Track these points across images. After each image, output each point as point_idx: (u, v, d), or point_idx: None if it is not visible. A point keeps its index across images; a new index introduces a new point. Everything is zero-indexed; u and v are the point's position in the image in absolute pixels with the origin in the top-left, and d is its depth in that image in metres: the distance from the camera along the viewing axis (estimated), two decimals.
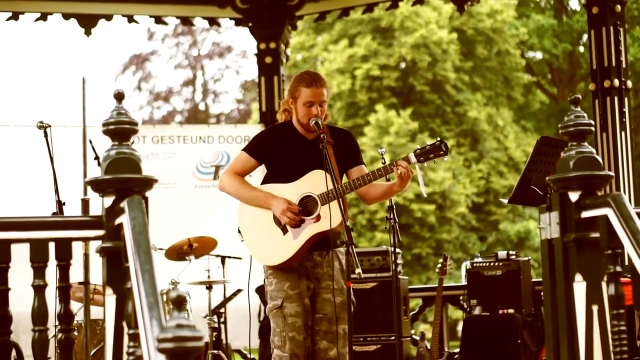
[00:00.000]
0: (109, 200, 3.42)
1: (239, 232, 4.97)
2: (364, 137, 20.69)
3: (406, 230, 20.60)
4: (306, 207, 4.83)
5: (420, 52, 21.72)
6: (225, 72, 28.73)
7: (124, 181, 3.38)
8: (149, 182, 3.43)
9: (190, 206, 9.10)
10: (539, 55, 23.93)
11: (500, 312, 7.16)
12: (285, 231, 4.85)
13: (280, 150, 4.95)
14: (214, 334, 7.24)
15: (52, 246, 3.51)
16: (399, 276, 6.93)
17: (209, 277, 7.33)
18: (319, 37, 23.56)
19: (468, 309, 7.52)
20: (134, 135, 3.51)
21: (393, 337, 7.19)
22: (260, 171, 5.24)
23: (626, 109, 7.71)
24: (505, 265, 7.30)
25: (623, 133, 7.68)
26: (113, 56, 43.64)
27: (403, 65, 22.62)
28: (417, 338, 7.85)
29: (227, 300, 7.36)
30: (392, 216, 5.87)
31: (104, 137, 3.49)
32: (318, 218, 4.79)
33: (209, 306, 7.25)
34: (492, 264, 7.33)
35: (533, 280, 7.57)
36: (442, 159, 4.86)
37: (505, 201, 5.92)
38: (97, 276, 3.70)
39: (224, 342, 7.40)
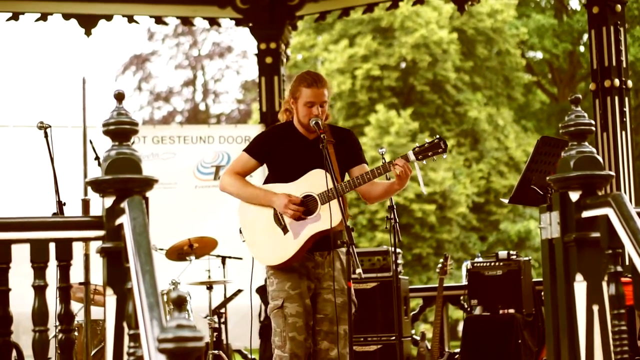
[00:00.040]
0: (109, 201, 3.42)
1: (241, 232, 4.98)
2: (364, 137, 20.69)
3: (407, 230, 20.61)
4: (307, 206, 4.83)
5: (421, 52, 21.72)
6: (226, 72, 28.74)
7: (125, 181, 3.39)
8: (149, 183, 3.43)
9: (191, 206, 9.10)
10: (539, 55, 23.94)
11: (501, 312, 7.16)
12: (285, 231, 4.85)
13: (281, 150, 4.96)
14: (215, 334, 7.24)
15: (52, 246, 3.51)
16: (400, 276, 6.94)
17: (209, 277, 7.33)
18: (320, 37, 23.56)
19: (468, 309, 7.52)
20: (134, 135, 3.52)
21: (394, 337, 7.19)
22: (261, 172, 5.24)
23: (627, 109, 7.71)
24: (505, 265, 7.30)
25: (623, 133, 7.68)
26: (113, 56, 43.68)
27: (403, 65, 22.62)
28: (418, 338, 7.85)
29: (227, 300, 7.36)
30: (392, 216, 5.87)
31: (104, 137, 3.49)
32: (318, 218, 4.80)
33: (209, 306, 7.25)
34: (492, 263, 7.33)
35: (534, 280, 7.57)
36: (441, 157, 4.84)
37: (506, 201, 5.92)
38: (97, 276, 3.70)
39: (224, 342, 7.40)
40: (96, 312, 5.31)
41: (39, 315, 3.46)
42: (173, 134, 9.46)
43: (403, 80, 22.41)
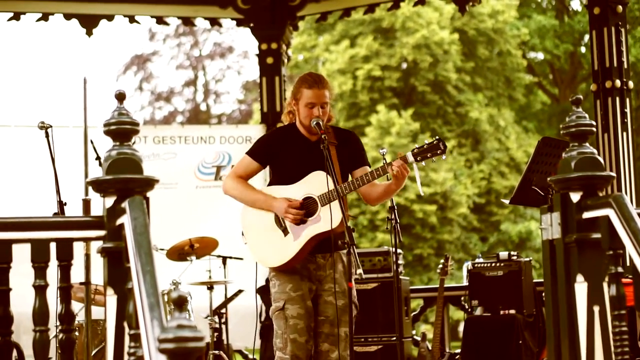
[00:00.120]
0: (110, 201, 3.42)
1: (243, 235, 4.99)
2: (365, 137, 20.69)
3: (407, 231, 20.60)
4: (307, 208, 4.84)
5: (422, 53, 21.72)
6: (227, 73, 28.72)
7: (125, 181, 3.39)
8: (150, 183, 3.43)
9: (192, 206, 9.10)
10: (540, 55, 23.94)
11: (502, 312, 7.16)
12: (286, 233, 4.86)
13: (284, 152, 4.97)
14: (215, 334, 7.24)
15: (53, 246, 3.51)
16: (400, 277, 6.94)
17: (210, 277, 7.33)
18: (321, 38, 23.56)
19: (469, 310, 7.52)
20: (135, 135, 3.52)
21: (394, 338, 7.19)
22: (262, 175, 5.25)
23: (628, 110, 7.71)
24: (506, 265, 7.30)
25: (624, 134, 7.68)
26: (114, 56, 43.66)
27: (404, 65, 22.61)
28: (418, 339, 7.84)
29: (228, 300, 7.36)
30: (393, 217, 5.87)
31: (105, 137, 3.49)
32: (319, 219, 4.80)
33: (210, 306, 7.25)
34: (493, 264, 7.33)
35: (534, 280, 7.57)
36: (440, 158, 4.85)
37: (507, 202, 5.92)
38: (98, 276, 3.70)
39: (225, 342, 7.40)
40: (97, 312, 5.31)
41: (40, 315, 3.46)
42: (174, 134, 9.46)
43: (404, 81, 22.41)
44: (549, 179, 3.90)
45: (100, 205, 3.50)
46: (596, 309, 3.63)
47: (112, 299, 3.37)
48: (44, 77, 36.75)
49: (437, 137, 4.88)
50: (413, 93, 22.60)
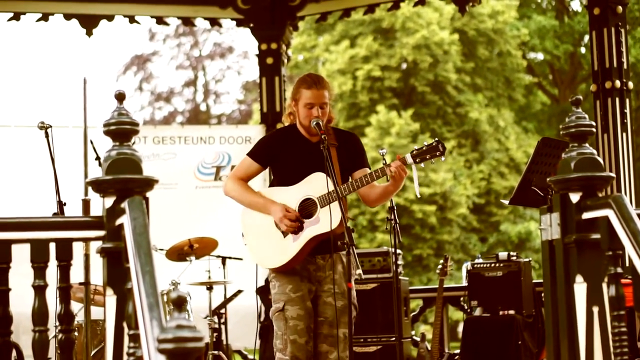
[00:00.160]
0: (109, 201, 3.42)
1: (243, 236, 5.00)
2: (365, 138, 20.69)
3: (407, 231, 20.61)
4: (306, 209, 4.84)
5: (422, 53, 21.72)
6: (227, 73, 28.74)
7: (125, 182, 3.39)
8: (149, 183, 3.43)
9: (191, 207, 9.10)
10: (540, 56, 23.94)
11: (501, 313, 7.16)
12: (285, 234, 4.86)
13: (284, 153, 4.97)
14: (215, 334, 7.24)
15: (52, 247, 3.51)
16: (400, 277, 6.94)
17: (209, 277, 7.33)
18: (320, 38, 23.56)
19: (468, 310, 7.52)
20: (135, 135, 3.52)
21: (393, 338, 7.19)
22: (262, 177, 5.25)
23: (627, 110, 7.71)
24: (506, 266, 7.30)
25: (624, 134, 7.68)
26: (114, 57, 43.67)
27: (404, 66, 22.61)
28: (418, 339, 7.85)
29: (227, 301, 7.36)
30: (393, 217, 5.88)
31: (104, 137, 3.49)
32: (317, 221, 4.80)
33: (209, 307, 7.25)
34: (492, 265, 7.33)
35: (534, 281, 7.57)
36: (439, 159, 4.85)
37: (506, 202, 5.91)
38: (97, 277, 3.70)
39: (224, 342, 7.40)
40: (96, 312, 5.31)
41: (39, 315, 3.46)
42: (174, 134, 9.46)
43: (404, 81, 22.41)
44: (548, 179, 3.90)
45: (99, 205, 3.50)
46: (595, 309, 3.63)
47: (111, 299, 3.37)
48: (44, 77, 36.77)
49: (436, 139, 4.88)
50: (413, 93, 22.60)
